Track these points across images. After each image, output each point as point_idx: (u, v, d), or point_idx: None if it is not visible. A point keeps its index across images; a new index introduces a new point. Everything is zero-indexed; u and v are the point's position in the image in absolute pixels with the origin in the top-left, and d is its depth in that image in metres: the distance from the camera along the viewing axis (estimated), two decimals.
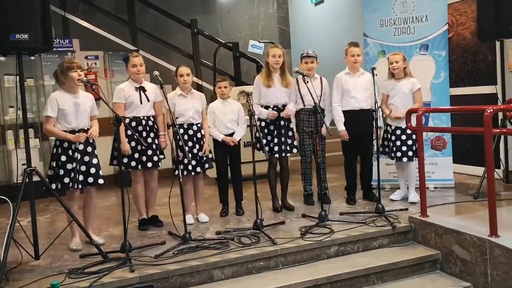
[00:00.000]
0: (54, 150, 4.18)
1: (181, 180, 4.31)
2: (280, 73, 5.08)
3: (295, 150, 5.21)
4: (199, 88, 8.17)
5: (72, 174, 4.11)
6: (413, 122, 4.70)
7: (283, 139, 5.06)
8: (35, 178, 3.98)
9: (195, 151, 4.77)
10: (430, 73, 5.71)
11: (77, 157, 4.13)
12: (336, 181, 6.14)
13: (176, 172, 4.38)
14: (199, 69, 8.52)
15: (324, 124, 4.84)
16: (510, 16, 5.13)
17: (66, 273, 3.63)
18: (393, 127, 5.18)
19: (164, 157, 4.80)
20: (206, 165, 4.88)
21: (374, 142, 5.06)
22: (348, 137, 5.10)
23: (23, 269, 3.79)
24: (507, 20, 5.14)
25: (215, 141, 5.03)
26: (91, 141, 4.24)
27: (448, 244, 4.11)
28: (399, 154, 5.10)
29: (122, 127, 4.31)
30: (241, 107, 5.08)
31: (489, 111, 3.70)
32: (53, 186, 4.10)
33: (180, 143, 4.38)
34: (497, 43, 5.75)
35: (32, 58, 6.15)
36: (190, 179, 4.87)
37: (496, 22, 5.21)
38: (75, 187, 4.14)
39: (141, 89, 4.66)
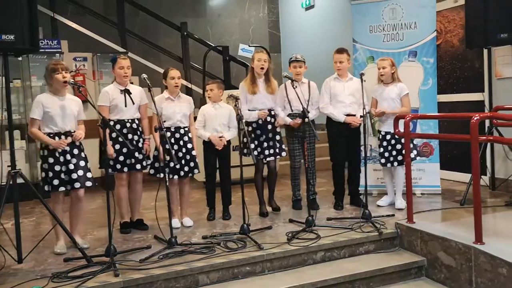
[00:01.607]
0: (41, 152, 4.16)
1: (167, 183, 4.29)
2: (265, 79, 5.09)
3: (283, 154, 5.21)
4: (188, 91, 8.15)
5: (62, 176, 4.08)
6: (401, 128, 4.72)
7: (271, 143, 5.07)
8: (20, 180, 3.93)
9: (180, 154, 4.75)
10: (418, 79, 5.75)
11: (63, 159, 4.09)
12: (324, 186, 6.15)
13: (162, 175, 4.35)
14: (188, 72, 8.50)
15: (313, 130, 4.83)
16: (497, 24, 5.17)
17: (50, 277, 3.58)
18: (383, 133, 5.20)
19: (151, 161, 4.77)
20: (196, 171, 4.85)
21: (362, 148, 5.07)
22: (358, 122, 5.08)
23: (6, 273, 3.74)
24: (495, 28, 5.18)
25: (205, 144, 5.02)
26: (77, 143, 4.20)
27: (433, 251, 4.12)
28: (391, 158, 5.11)
29: (107, 130, 4.28)
30: (233, 111, 5.06)
31: (475, 118, 3.72)
32: (46, 188, 4.07)
33: (167, 146, 4.36)
34: (485, 51, 5.80)
35: (20, 59, 6.13)
36: (175, 183, 4.84)
37: (484, 30, 5.24)
38: (64, 189, 4.10)
39: (126, 91, 4.63)
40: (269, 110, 5.10)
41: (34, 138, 4.20)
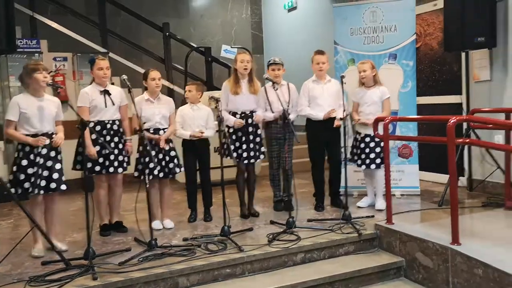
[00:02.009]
0: (16, 154, 4.10)
1: (147, 185, 4.27)
2: (248, 80, 5.10)
3: (262, 156, 5.22)
4: (170, 92, 8.12)
5: (33, 179, 4.02)
6: (380, 130, 4.76)
7: (251, 145, 5.07)
8: None
9: (160, 156, 4.73)
10: (398, 82, 5.80)
11: (38, 161, 4.04)
12: (305, 187, 6.17)
13: (142, 177, 4.33)
14: (170, 73, 8.47)
15: (293, 131, 4.84)
16: (475, 28, 5.25)
17: (26, 281, 3.54)
18: (362, 135, 5.23)
19: (129, 163, 4.74)
20: (177, 169, 4.84)
21: (343, 149, 5.10)
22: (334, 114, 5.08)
23: None
24: (472, 32, 5.26)
25: (184, 145, 5.00)
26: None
27: (412, 252, 4.17)
28: (367, 161, 5.16)
29: (87, 131, 4.24)
30: (211, 112, 5.07)
31: (452, 121, 3.77)
32: (13, 191, 4.01)
33: (148, 147, 4.35)
34: (463, 54, 5.88)
35: None
36: (156, 185, 4.82)
37: (462, 33, 5.31)
38: (36, 192, 4.05)
39: (106, 92, 4.60)
40: (251, 112, 5.10)
41: (10, 138, 4.14)
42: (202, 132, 4.91)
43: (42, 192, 4.08)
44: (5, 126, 4.08)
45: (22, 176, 4.01)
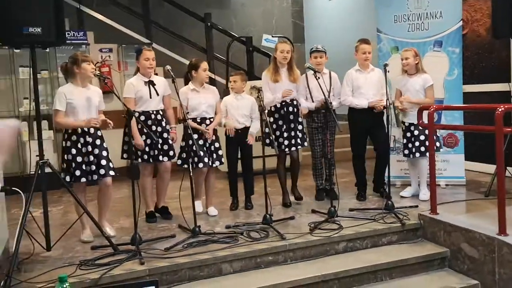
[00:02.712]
0: (64, 143, 4.23)
1: (191, 173, 4.34)
2: (288, 68, 5.10)
3: (305, 144, 5.22)
4: (212, 82, 8.18)
5: (84, 167, 4.16)
6: (425, 119, 4.68)
7: (292, 133, 5.08)
8: (48, 170, 4.02)
9: (206, 144, 4.81)
10: (443, 69, 5.68)
11: (86, 150, 4.17)
12: (347, 177, 6.13)
13: (186, 166, 4.41)
14: (212, 63, 8.53)
15: (335, 121, 4.82)
16: None
17: (77, 264, 3.68)
18: (406, 124, 5.16)
19: (175, 153, 4.82)
20: (217, 163, 4.90)
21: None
22: (382, 104, 5.02)
23: (35, 260, 3.85)
24: None
25: (227, 135, 5.06)
26: (99, 134, 4.28)
27: (457, 242, 4.10)
28: (413, 149, 5.08)
29: (133, 121, 4.34)
30: (255, 102, 5.09)
31: (500, 109, 3.68)
32: (67, 178, 4.15)
33: (192, 137, 4.42)
34: None
35: (47, 50, 6.23)
36: (201, 172, 4.90)
37: (510, 19, 5.14)
38: (86, 179, 4.19)
39: (150, 83, 4.69)
40: (291, 100, 5.10)
41: (61, 127, 4.27)
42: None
43: (89, 178, 4.21)
44: (54, 116, 4.23)
45: (73, 164, 4.14)
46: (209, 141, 4.84)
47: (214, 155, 4.86)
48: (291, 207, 5.12)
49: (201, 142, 4.80)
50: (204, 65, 4.85)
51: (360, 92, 5.16)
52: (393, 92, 5.32)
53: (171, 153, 4.77)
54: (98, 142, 4.25)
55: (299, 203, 5.24)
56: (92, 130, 4.21)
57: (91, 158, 4.19)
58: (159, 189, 4.91)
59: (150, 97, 4.67)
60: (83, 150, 4.17)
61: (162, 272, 3.68)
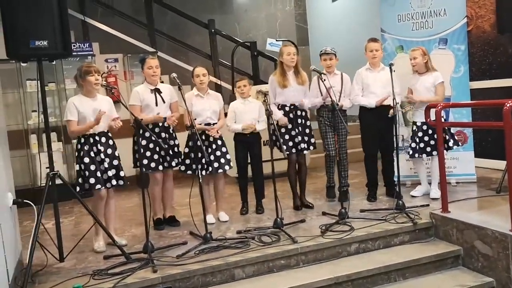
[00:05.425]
0: (77, 153, 4.27)
1: (200, 180, 4.35)
2: (294, 71, 5.09)
3: (312, 148, 5.22)
4: (217, 87, 8.21)
5: (99, 174, 4.19)
6: (433, 117, 4.67)
7: (299, 137, 5.07)
8: (58, 181, 4.05)
9: (210, 150, 4.81)
10: (449, 67, 5.65)
11: (98, 159, 4.20)
12: (357, 177, 6.12)
13: (189, 173, 4.41)
14: (217, 68, 8.56)
15: (344, 122, 4.81)
16: None
17: (91, 275, 3.70)
18: (418, 123, 5.12)
19: (180, 160, 4.83)
20: (227, 167, 4.90)
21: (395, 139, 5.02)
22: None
23: (49, 272, 3.87)
24: None
25: (235, 139, 5.07)
26: (111, 143, 4.31)
27: (470, 240, 4.08)
28: (428, 148, 5.04)
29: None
30: (262, 105, 5.08)
31: (508, 105, 3.66)
32: (79, 188, 4.18)
33: (199, 143, 4.43)
34: None
35: (53, 62, 6.27)
36: (210, 179, 4.91)
37: None
38: (101, 187, 4.21)
39: (157, 91, 4.72)
40: (295, 105, 5.08)
41: (77, 135, 4.26)
42: (253, 125, 4.97)
43: (108, 186, 4.24)
44: (68, 127, 4.26)
45: (87, 173, 4.17)
46: (213, 147, 4.82)
47: (222, 160, 4.85)
48: (301, 210, 5.12)
49: (209, 150, 4.80)
50: (196, 71, 4.84)
51: (369, 90, 5.14)
52: (404, 91, 5.27)
53: (175, 161, 4.79)
54: (109, 151, 4.28)
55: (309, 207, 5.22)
56: (103, 139, 4.24)
57: (104, 167, 4.22)
58: (165, 199, 4.92)
59: (157, 105, 4.70)
60: (97, 158, 4.21)
61: (175, 279, 3.69)
